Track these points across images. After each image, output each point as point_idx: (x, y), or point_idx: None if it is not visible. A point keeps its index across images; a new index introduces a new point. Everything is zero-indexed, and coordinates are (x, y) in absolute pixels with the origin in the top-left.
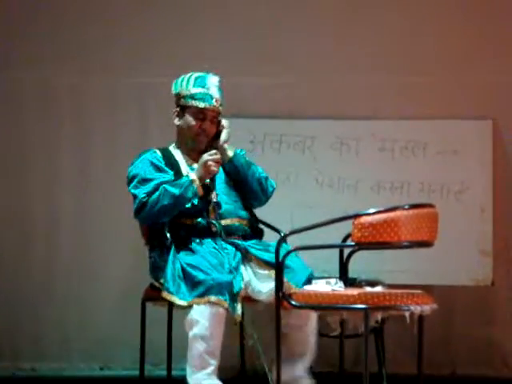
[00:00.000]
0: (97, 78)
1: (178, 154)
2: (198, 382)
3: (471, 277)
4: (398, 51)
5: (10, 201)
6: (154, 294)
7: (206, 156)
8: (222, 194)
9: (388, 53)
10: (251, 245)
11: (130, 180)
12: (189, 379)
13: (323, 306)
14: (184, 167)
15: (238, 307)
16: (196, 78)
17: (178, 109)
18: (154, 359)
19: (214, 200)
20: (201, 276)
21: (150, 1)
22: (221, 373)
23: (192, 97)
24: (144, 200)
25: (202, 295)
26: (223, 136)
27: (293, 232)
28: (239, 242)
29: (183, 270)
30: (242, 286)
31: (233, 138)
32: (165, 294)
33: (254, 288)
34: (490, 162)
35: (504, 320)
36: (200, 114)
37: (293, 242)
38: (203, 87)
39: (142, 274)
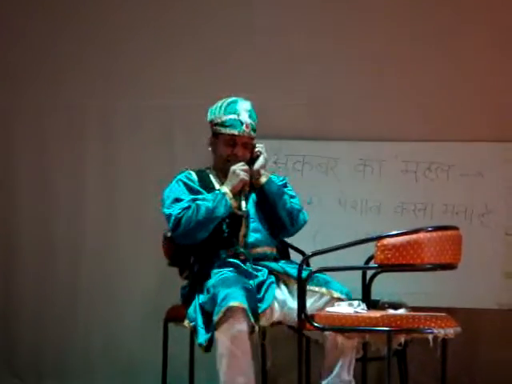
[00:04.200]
0: (123, 100)
1: (213, 177)
2: None
3: (495, 300)
4: (421, 75)
5: (33, 221)
6: (176, 314)
7: (233, 167)
8: (252, 220)
9: (411, 76)
10: (282, 265)
11: (164, 201)
12: None
13: (346, 328)
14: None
15: (260, 322)
16: (227, 105)
17: (212, 136)
18: (176, 379)
19: (241, 213)
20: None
21: (179, 27)
22: None
23: (222, 124)
24: (179, 216)
25: (218, 311)
26: (259, 161)
27: (315, 253)
28: (270, 263)
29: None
30: (269, 306)
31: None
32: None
33: (289, 307)
34: None
35: None
36: (230, 140)
37: (316, 263)
38: (234, 113)
39: (164, 295)
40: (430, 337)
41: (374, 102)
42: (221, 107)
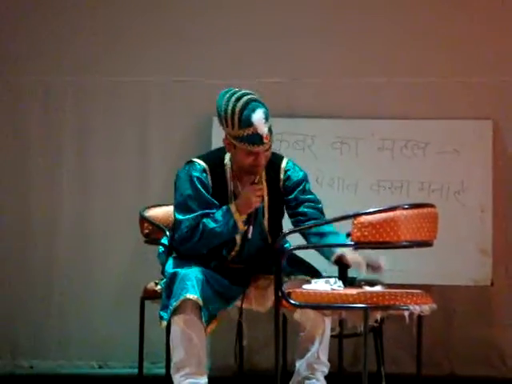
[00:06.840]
0: (98, 76)
1: (228, 177)
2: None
3: (471, 277)
4: (399, 52)
5: (9, 205)
6: (153, 292)
7: (247, 191)
8: (251, 242)
9: (388, 53)
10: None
11: (176, 193)
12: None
13: (322, 306)
14: (230, 190)
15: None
16: (241, 116)
17: (227, 138)
18: (152, 357)
19: (249, 236)
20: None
21: (152, 3)
22: (217, 372)
23: (241, 139)
24: (187, 235)
25: (176, 298)
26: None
27: (292, 231)
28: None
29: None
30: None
31: None
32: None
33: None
34: (490, 162)
35: (503, 320)
36: (251, 153)
37: (294, 241)
38: (250, 126)
39: (141, 273)
40: (406, 313)
41: (351, 79)
42: (233, 118)
